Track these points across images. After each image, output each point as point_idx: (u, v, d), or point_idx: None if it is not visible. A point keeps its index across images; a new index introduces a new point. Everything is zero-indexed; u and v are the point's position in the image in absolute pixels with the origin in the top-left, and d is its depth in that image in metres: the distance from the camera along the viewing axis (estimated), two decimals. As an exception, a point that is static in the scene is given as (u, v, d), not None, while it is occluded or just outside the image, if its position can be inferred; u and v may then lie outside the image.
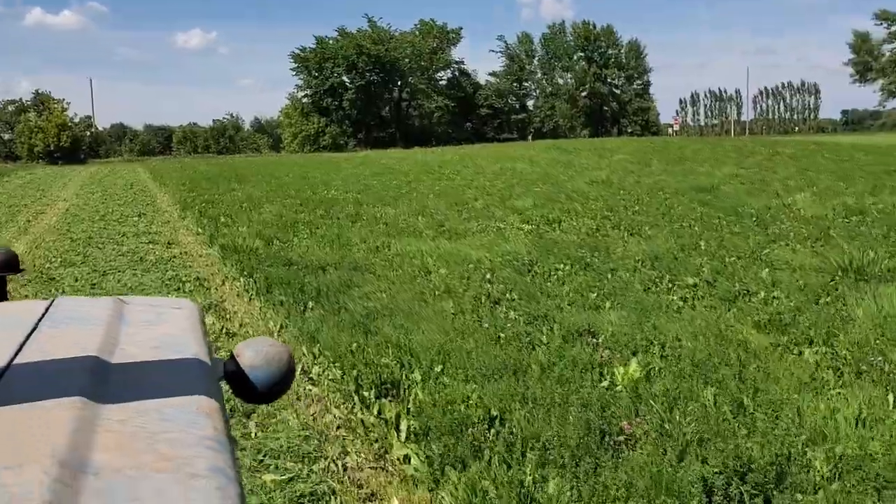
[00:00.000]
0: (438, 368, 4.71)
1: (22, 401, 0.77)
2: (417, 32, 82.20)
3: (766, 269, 7.58)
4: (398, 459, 3.67)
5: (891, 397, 4.06)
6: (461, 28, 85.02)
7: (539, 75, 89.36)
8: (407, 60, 77.32)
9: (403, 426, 3.88)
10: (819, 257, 8.18)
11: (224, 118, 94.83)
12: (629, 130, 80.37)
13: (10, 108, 73.08)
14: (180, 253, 10.27)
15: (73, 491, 0.60)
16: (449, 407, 4.06)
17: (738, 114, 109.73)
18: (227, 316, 6.67)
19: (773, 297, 6.47)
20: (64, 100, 65.43)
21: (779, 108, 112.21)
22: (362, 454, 3.80)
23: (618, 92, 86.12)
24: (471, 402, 4.12)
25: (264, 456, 3.77)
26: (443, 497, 3.22)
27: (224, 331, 6.10)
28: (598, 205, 13.53)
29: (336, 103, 75.11)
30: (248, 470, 3.61)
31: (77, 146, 61.63)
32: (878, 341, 5.08)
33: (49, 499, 0.57)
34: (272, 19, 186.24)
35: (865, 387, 4.26)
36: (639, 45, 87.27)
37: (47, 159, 58.01)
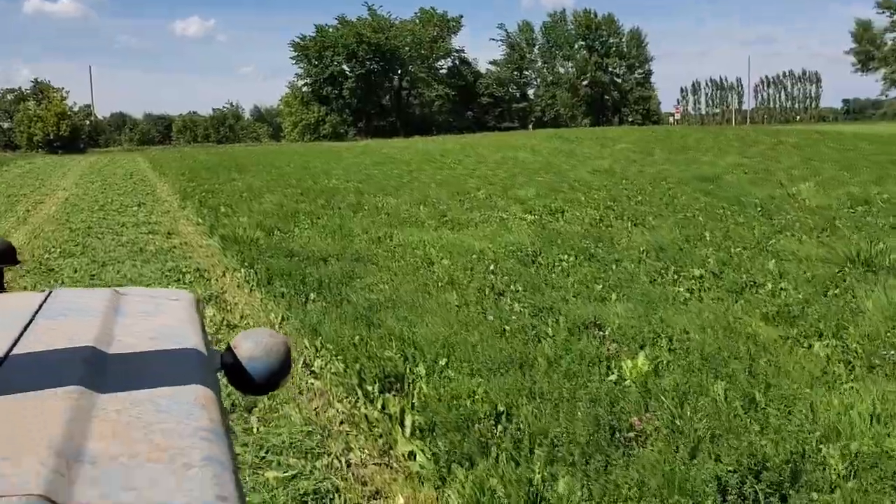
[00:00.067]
0: (443, 362, 4.63)
1: (19, 391, 0.77)
2: (418, 21, 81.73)
3: (773, 261, 7.50)
4: (403, 456, 3.60)
5: (905, 392, 3.99)
6: (461, 16, 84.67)
7: (540, 64, 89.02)
8: (407, 49, 76.98)
9: (408, 422, 3.81)
10: (826, 248, 8.10)
11: (224, 107, 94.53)
12: (630, 120, 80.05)
13: (10, 96, 72.72)
14: (180, 243, 10.18)
15: (69, 480, 0.60)
16: (454, 402, 3.98)
17: (740, 103, 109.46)
18: (228, 308, 6.59)
19: (781, 289, 6.38)
20: (63, 88, 65.13)
21: (780, 96, 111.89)
22: (366, 450, 3.73)
23: (619, 81, 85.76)
24: (476, 396, 4.04)
25: (266, 452, 3.69)
26: (449, 496, 3.15)
27: (225, 322, 6.02)
28: (601, 195, 13.43)
29: (336, 92, 74.81)
30: (251, 467, 3.53)
31: (76, 135, 61.37)
32: (889, 334, 5.00)
33: (46, 488, 0.57)
34: (271, 7, 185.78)
35: (879, 381, 4.19)
36: (640, 34, 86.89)
37: (47, 148, 57.78)
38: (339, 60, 75.42)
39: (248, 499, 3.20)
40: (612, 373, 4.40)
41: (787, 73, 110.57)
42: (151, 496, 0.60)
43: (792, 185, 14.22)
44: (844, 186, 13.80)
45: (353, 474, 3.51)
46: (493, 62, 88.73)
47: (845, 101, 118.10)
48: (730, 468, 3.10)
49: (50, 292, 1.23)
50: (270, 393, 4.19)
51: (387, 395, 4.24)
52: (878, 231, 8.98)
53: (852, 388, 4.10)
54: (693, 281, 6.81)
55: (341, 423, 4.07)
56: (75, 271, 8.41)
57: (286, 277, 7.28)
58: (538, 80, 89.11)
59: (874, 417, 3.64)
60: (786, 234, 9.13)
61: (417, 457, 3.50)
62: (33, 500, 0.56)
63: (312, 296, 6.59)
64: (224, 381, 1.09)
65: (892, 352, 4.62)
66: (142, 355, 0.95)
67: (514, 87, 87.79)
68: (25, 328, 1.03)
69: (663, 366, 4.49)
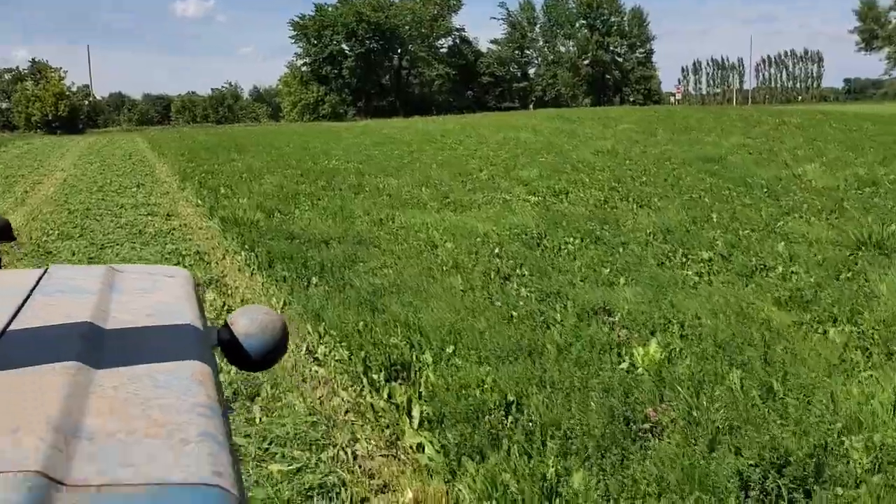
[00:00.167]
0: (450, 349, 4.52)
1: (16, 367, 0.77)
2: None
3: (782, 243, 7.37)
4: (411, 448, 3.49)
5: (926, 381, 3.87)
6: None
7: (541, 43, 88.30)
8: (407, 28, 76.37)
9: (416, 412, 3.70)
10: (835, 230, 7.97)
11: (223, 87, 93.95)
12: (631, 99, 79.48)
13: (7, 76, 72.20)
14: (180, 225, 10.06)
15: (66, 456, 0.60)
16: (463, 391, 3.87)
17: (741, 82, 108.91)
18: (229, 291, 6.48)
19: (792, 273, 6.26)
20: (61, 68, 64.78)
21: (781, 76, 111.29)
22: (372, 441, 3.62)
23: (620, 60, 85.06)
24: (485, 386, 3.93)
25: (270, 444, 3.59)
26: (460, 490, 3.04)
27: (225, 307, 5.91)
28: (605, 175, 13.27)
29: (335, 71, 74.30)
30: (254, 459, 3.43)
31: (75, 116, 61.00)
32: (905, 320, 4.88)
33: (44, 464, 0.57)
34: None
35: (898, 369, 4.07)
36: (641, 13, 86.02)
37: (45, 129, 57.46)
38: (339, 39, 74.83)
39: (251, 494, 3.09)
40: (624, 360, 4.29)
41: (789, 53, 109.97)
42: (149, 472, 0.60)
43: (797, 165, 14.05)
44: (850, 167, 13.62)
45: (359, 467, 3.40)
46: (494, 41, 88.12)
47: (847, 81, 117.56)
48: (751, 462, 2.99)
49: (47, 269, 1.23)
50: (268, 370, 4.08)
51: (393, 383, 4.13)
52: (887, 213, 8.84)
53: (871, 376, 3.99)
54: (702, 264, 6.69)
55: (346, 412, 3.96)
56: (73, 254, 8.30)
57: (287, 261, 7.16)
58: (539, 59, 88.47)
59: (896, 407, 3.54)
60: (794, 215, 8.99)
61: (426, 449, 3.39)
62: (31, 476, 0.56)
63: (314, 280, 6.47)
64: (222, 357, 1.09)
65: (911, 338, 4.51)
66: (138, 331, 0.95)
67: (515, 67, 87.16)
68: (23, 304, 1.03)
69: (676, 353, 4.38)
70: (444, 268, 6.67)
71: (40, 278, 1.17)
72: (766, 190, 11.09)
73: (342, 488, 3.18)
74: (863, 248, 7.10)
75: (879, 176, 12.21)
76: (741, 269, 6.42)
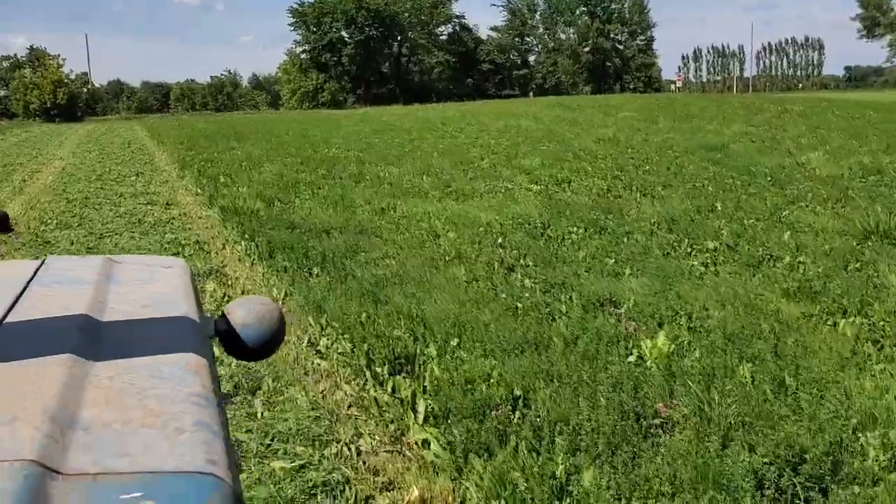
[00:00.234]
0: (454, 342, 4.44)
1: (13, 358, 0.78)
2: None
3: (789, 233, 7.30)
4: (416, 443, 3.41)
5: (940, 375, 3.80)
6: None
7: (541, 30, 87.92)
8: (407, 15, 75.98)
9: (421, 407, 3.62)
10: (842, 219, 7.89)
11: (222, 75, 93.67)
12: (632, 87, 79.14)
13: (5, 63, 71.86)
14: (179, 214, 9.97)
15: (62, 446, 0.60)
16: (468, 386, 3.79)
17: (741, 70, 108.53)
18: (229, 282, 6.40)
19: (799, 263, 6.19)
20: (59, 56, 64.43)
21: (781, 64, 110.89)
22: (377, 437, 3.55)
23: (621, 48, 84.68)
24: (492, 380, 3.85)
25: (272, 440, 3.51)
26: (468, 489, 2.97)
27: (226, 298, 5.82)
28: (608, 164, 13.17)
29: (335, 59, 73.99)
30: (256, 456, 3.35)
31: (73, 103, 60.79)
32: (917, 311, 4.81)
33: (40, 453, 0.57)
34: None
35: (911, 362, 4.00)
36: (642, 0, 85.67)
37: (44, 117, 57.26)
38: (338, 27, 74.49)
39: (254, 491, 3.02)
40: (631, 353, 4.21)
41: (790, 40, 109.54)
42: (144, 461, 0.60)
43: (801, 153, 13.95)
44: (854, 155, 13.52)
45: (363, 462, 3.33)
46: (494, 28, 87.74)
47: (847, 69, 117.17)
48: (765, 460, 2.91)
49: (44, 260, 1.23)
50: (269, 363, 3.97)
51: (397, 377, 4.05)
52: (894, 202, 8.76)
53: (884, 369, 3.92)
54: (708, 254, 6.61)
55: (349, 406, 3.89)
56: (72, 244, 8.21)
57: (288, 251, 7.08)
58: (539, 46, 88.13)
59: (912, 402, 3.46)
60: (799, 204, 8.90)
61: (432, 445, 3.32)
62: (27, 465, 0.56)
63: (316, 270, 6.39)
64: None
65: (923, 331, 4.44)
66: (135, 323, 0.96)
67: (515, 54, 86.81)
68: (19, 296, 1.03)
69: (685, 346, 4.30)
70: (447, 258, 6.59)
71: (38, 269, 1.18)
72: (769, 179, 11.00)
73: (346, 486, 3.11)
74: (870, 237, 7.02)
75: (884, 164, 12.11)
76: (748, 259, 6.35)
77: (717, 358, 4.04)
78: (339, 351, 4.54)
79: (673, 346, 4.23)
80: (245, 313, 1.06)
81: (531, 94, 71.25)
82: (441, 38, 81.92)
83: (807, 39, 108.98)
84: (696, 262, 6.35)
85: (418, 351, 4.34)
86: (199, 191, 11.69)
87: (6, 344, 0.84)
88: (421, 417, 3.57)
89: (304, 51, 75.83)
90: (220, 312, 1.10)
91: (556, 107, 30.82)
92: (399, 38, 77.29)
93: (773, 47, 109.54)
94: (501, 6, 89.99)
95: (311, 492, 3.07)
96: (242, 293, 6.00)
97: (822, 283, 5.52)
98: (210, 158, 16.26)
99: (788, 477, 2.82)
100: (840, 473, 2.88)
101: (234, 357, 1.08)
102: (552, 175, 11.85)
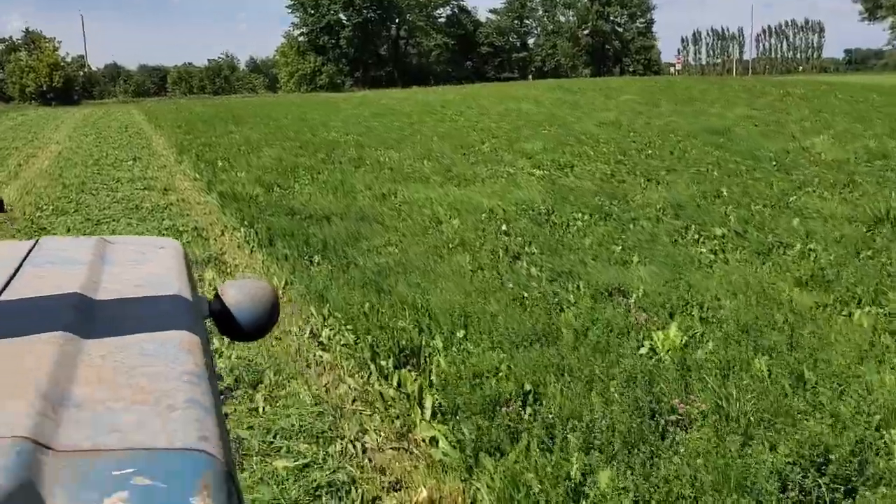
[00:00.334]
0: (461, 334, 4.32)
1: (5, 337, 0.77)
2: (416, -33, 79.97)
3: (797, 219, 7.18)
4: (424, 441, 3.30)
5: (962, 368, 3.69)
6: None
7: (540, 13, 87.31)
8: (405, -3, 75.47)
9: (428, 402, 3.50)
10: (850, 205, 7.76)
11: (219, 58, 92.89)
12: (631, 70, 78.66)
13: (1, 46, 71.26)
14: (177, 200, 9.82)
15: (55, 422, 0.61)
16: (477, 380, 3.68)
17: (741, 53, 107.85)
18: (228, 270, 6.27)
19: (810, 250, 6.07)
20: (55, 38, 63.84)
21: (781, 46, 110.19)
22: (382, 433, 3.43)
23: (620, 30, 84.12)
24: (500, 374, 3.74)
25: (274, 437, 3.39)
26: (479, 490, 2.85)
27: (225, 287, 5.69)
28: (610, 148, 13.02)
29: (333, 41, 73.49)
30: (258, 454, 3.24)
31: (70, 87, 60.26)
32: (933, 301, 4.69)
33: (32, 430, 0.58)
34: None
35: (932, 355, 3.89)
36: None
37: (40, 100, 56.81)
38: (336, 9, 73.91)
39: (257, 493, 2.91)
40: (643, 345, 4.09)
41: (790, 23, 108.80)
42: (136, 438, 0.60)
43: (805, 138, 13.80)
44: (860, 139, 13.37)
45: (368, 460, 3.22)
46: (493, 10, 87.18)
47: (847, 52, 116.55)
48: (788, 459, 2.80)
49: (37, 240, 1.23)
50: (272, 360, 3.83)
51: (402, 370, 3.93)
52: (902, 187, 8.63)
53: (904, 363, 3.80)
54: (716, 241, 6.49)
55: (354, 401, 3.77)
56: (68, 230, 8.07)
57: (288, 238, 6.95)
58: (538, 29, 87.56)
59: (935, 398, 3.35)
60: (806, 190, 8.78)
61: (440, 443, 3.20)
62: (20, 441, 0.56)
63: (317, 258, 6.26)
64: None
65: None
66: (128, 302, 0.95)
67: (515, 37, 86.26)
68: (13, 275, 1.03)
69: (697, 337, 4.19)
70: (451, 245, 6.46)
71: (31, 249, 1.18)
72: (774, 163, 10.86)
73: (352, 486, 3.00)
74: (880, 224, 6.90)
75: (890, 148, 11.98)
76: (757, 246, 6.22)
77: (731, 350, 3.93)
78: (343, 343, 4.43)
79: (685, 337, 4.12)
80: (238, 294, 1.07)
81: (530, 76, 70.88)
82: (440, 20, 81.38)
83: (807, 22, 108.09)
84: (704, 250, 6.23)
85: (424, 343, 4.22)
86: (197, 176, 11.53)
87: None
88: (428, 413, 3.45)
89: (301, 33, 75.32)
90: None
91: (556, 90, 30.60)
92: (397, 20, 76.78)
93: (773, 30, 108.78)
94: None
95: (316, 493, 2.96)
96: (242, 282, 5.87)
97: (835, 272, 5.40)
98: (208, 143, 16.09)
99: (813, 477, 2.71)
100: (866, 473, 2.77)
101: (229, 337, 1.08)
102: (554, 159, 11.71)
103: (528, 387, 3.58)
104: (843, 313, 4.62)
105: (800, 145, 12.89)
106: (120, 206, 9.43)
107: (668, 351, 3.97)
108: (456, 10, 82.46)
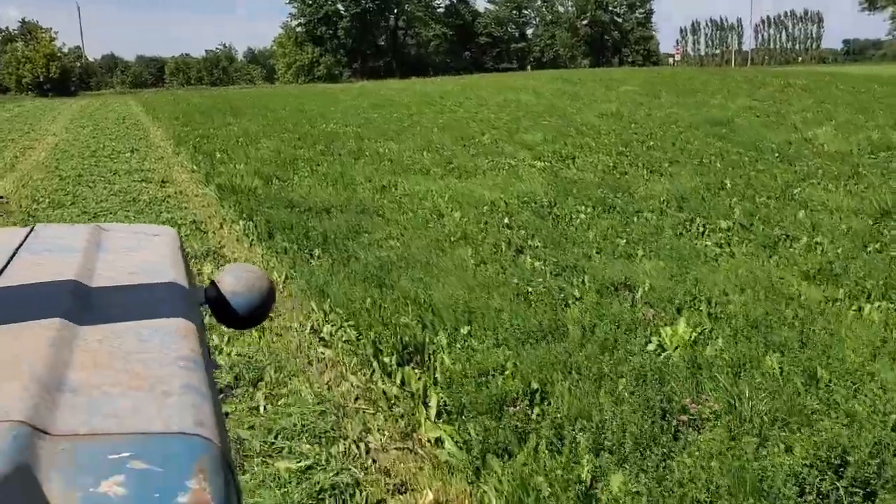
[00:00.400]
0: (465, 330, 4.24)
1: (2, 323, 0.77)
2: (414, -43, 79.58)
3: (802, 211, 7.09)
4: (429, 441, 3.22)
5: (978, 365, 3.61)
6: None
7: (539, 3, 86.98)
8: (403, -13, 75.16)
9: (433, 402, 3.43)
10: (856, 198, 7.68)
11: (217, 49, 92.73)
12: (630, 60, 78.50)
13: (-3, 37, 70.96)
14: (175, 192, 9.72)
15: (50, 407, 0.61)
16: (482, 378, 3.60)
17: (740, 43, 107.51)
18: (227, 264, 6.17)
19: (817, 243, 5.99)
20: (52, 29, 63.54)
21: (780, 37, 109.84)
22: (386, 433, 3.36)
23: (619, 20, 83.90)
24: (506, 371, 3.66)
25: (276, 437, 3.31)
26: (486, 493, 2.78)
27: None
28: (612, 139, 12.92)
29: (331, 32, 73.23)
30: (259, 455, 3.16)
31: (67, 78, 60.03)
32: (945, 296, 4.62)
33: (28, 414, 0.58)
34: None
35: (946, 352, 3.81)
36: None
37: (36, 91, 56.59)
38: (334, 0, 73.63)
39: (258, 497, 2.83)
40: (651, 342, 4.02)
41: (789, 13, 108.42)
42: (131, 422, 0.60)
43: (807, 129, 13.70)
44: (862, 131, 13.26)
45: (373, 462, 3.14)
46: (492, 1, 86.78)
47: (846, 42, 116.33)
48: (805, 461, 2.73)
49: (33, 228, 1.23)
50: (272, 357, 3.74)
51: (406, 368, 3.85)
52: (907, 179, 8.55)
53: (919, 360, 3.73)
54: (721, 234, 6.41)
55: (357, 399, 3.69)
56: (65, 223, 7.97)
57: (288, 231, 6.86)
58: (537, 19, 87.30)
59: (952, 397, 3.27)
60: (810, 181, 8.69)
61: (446, 443, 3.13)
62: (15, 425, 0.56)
63: (317, 252, 6.17)
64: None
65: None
66: (124, 289, 0.96)
67: (513, 27, 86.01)
68: (8, 262, 1.03)
69: (706, 334, 4.11)
70: (453, 239, 6.37)
71: (26, 237, 1.18)
72: (777, 155, 10.77)
73: (356, 489, 2.92)
74: (886, 216, 6.82)
75: (893, 140, 11.88)
76: (763, 239, 6.14)
77: (741, 347, 3.85)
78: (344, 339, 4.34)
79: (694, 333, 4.04)
80: (234, 281, 1.07)
81: (529, 67, 70.62)
82: (438, 10, 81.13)
83: (806, 13, 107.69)
84: (710, 243, 6.15)
85: (427, 339, 4.14)
86: (195, 168, 11.43)
87: None
88: (433, 412, 3.38)
89: (299, 24, 75.03)
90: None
91: (556, 80, 30.45)
92: (395, 10, 76.48)
93: (772, 20, 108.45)
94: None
95: (319, 496, 2.88)
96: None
97: (843, 265, 5.32)
98: (206, 134, 15.96)
99: (831, 480, 2.63)
100: (884, 476, 2.69)
101: (224, 325, 1.09)
102: (555, 151, 11.61)
103: (535, 385, 3.50)
104: (854, 308, 4.54)
105: (802, 136, 12.79)
106: (117, 199, 9.33)
107: (676, 348, 3.89)
108: (454, 0, 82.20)
